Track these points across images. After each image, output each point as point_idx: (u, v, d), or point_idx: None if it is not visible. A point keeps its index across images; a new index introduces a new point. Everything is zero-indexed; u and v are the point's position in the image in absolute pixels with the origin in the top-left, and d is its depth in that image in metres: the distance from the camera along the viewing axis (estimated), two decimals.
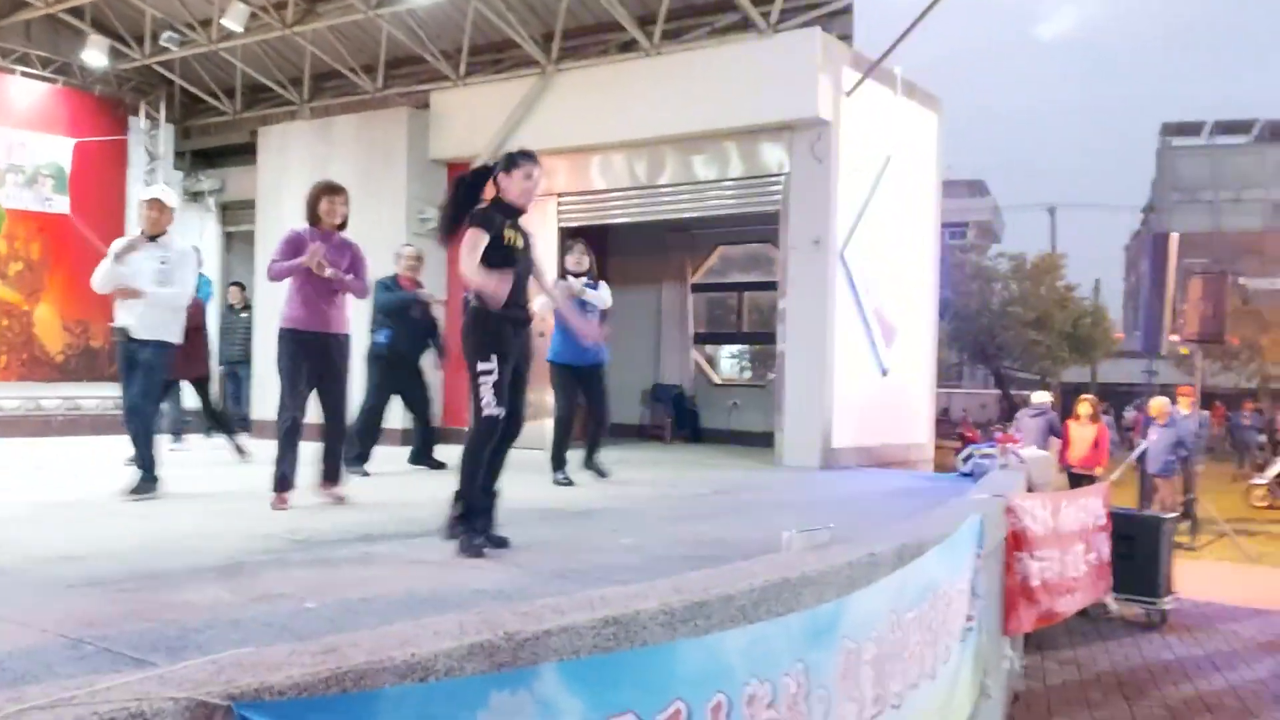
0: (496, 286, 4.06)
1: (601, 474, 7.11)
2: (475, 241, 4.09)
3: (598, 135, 10.20)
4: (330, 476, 5.71)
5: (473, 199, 4.30)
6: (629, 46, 10.17)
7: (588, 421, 7.36)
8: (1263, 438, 22.82)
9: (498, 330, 4.18)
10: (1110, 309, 51.04)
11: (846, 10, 9.49)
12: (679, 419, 12.60)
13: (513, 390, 4.28)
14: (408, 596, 3.20)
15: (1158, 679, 6.63)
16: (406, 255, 7.94)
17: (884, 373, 10.04)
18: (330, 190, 5.66)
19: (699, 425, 12.58)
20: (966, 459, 8.12)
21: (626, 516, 5.55)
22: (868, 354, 9.82)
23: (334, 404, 5.64)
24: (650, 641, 2.57)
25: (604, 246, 10.89)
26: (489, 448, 4.24)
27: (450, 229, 4.31)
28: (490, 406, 4.14)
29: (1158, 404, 12.03)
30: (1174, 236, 11.71)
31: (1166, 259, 11.33)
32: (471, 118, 10.92)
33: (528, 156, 4.30)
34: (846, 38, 9.53)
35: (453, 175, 9.05)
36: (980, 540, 4.79)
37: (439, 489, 4.68)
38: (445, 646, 2.00)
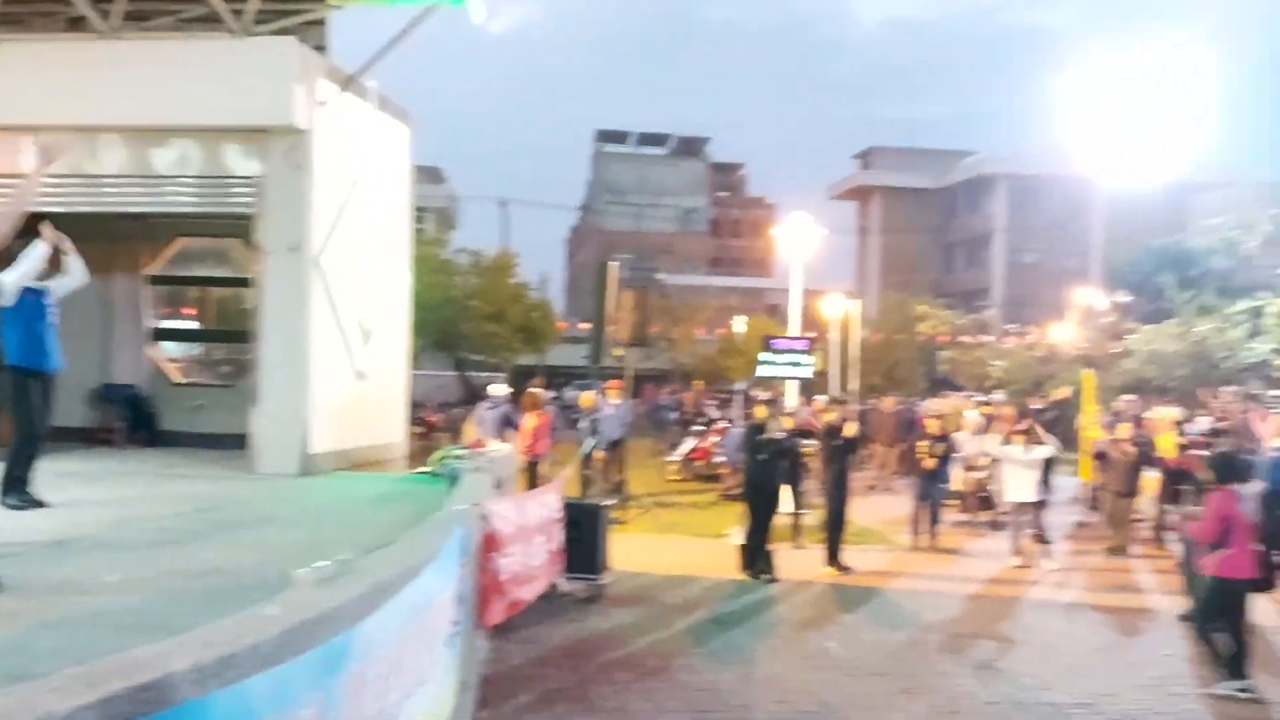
0: None
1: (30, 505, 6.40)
2: None
3: (37, 116, 9.17)
4: None
5: None
6: (78, 23, 9.30)
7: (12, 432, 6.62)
8: (676, 415, 26.67)
9: None
10: (554, 298, 55.97)
11: (321, 22, 9.66)
12: (134, 421, 11.76)
13: None
14: None
15: (598, 647, 7.84)
16: None
17: (360, 376, 10.38)
18: None
19: (157, 427, 11.85)
20: (439, 460, 8.81)
21: (107, 546, 5.28)
22: (344, 357, 10.09)
23: None
24: (182, 702, 2.68)
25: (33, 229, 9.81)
26: None
27: None
28: None
29: (586, 398, 13.90)
30: (614, 266, 13.43)
31: (607, 285, 13.00)
32: None
33: None
34: (322, 49, 9.69)
35: None
36: (464, 551, 5.40)
37: None
38: None
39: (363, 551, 4.49)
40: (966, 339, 39.97)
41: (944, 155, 63.89)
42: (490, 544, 6.12)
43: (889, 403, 20.49)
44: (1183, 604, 9.44)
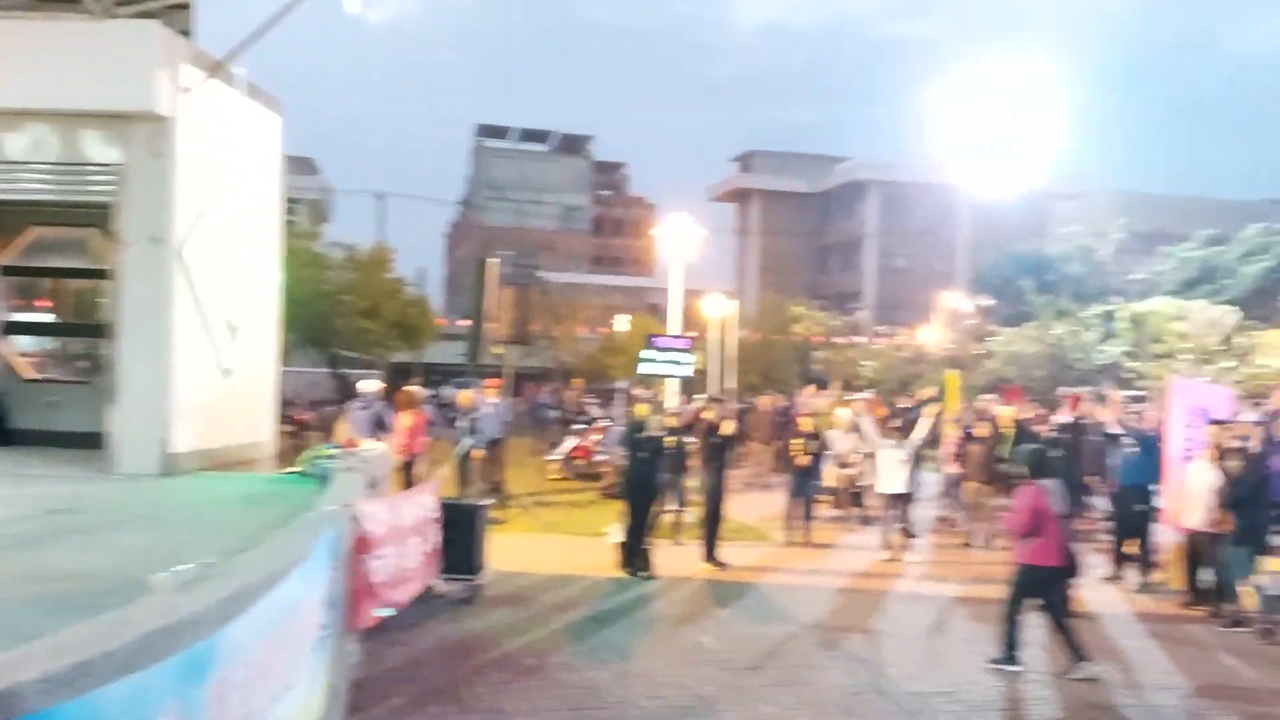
0: None
1: None
2: None
3: None
4: None
5: None
6: None
7: None
8: (557, 414, 26.59)
9: None
10: (433, 294, 55.18)
11: (185, 6, 9.30)
12: None
13: None
14: None
15: (474, 647, 7.77)
16: None
17: (227, 372, 10.04)
18: None
19: (8, 426, 11.19)
20: (309, 460, 8.59)
21: None
22: (210, 353, 9.74)
23: None
24: (30, 713, 2.57)
25: None
26: None
27: None
28: None
29: (465, 396, 13.76)
30: (493, 262, 13.31)
31: (486, 284, 12.87)
32: None
33: None
34: (187, 33, 9.33)
35: None
36: (334, 553, 5.29)
37: None
38: None
39: (226, 555, 4.36)
40: (840, 340, 41.09)
41: (820, 160, 65.56)
42: (362, 545, 6.01)
43: (766, 401, 20.90)
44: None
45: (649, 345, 15.05)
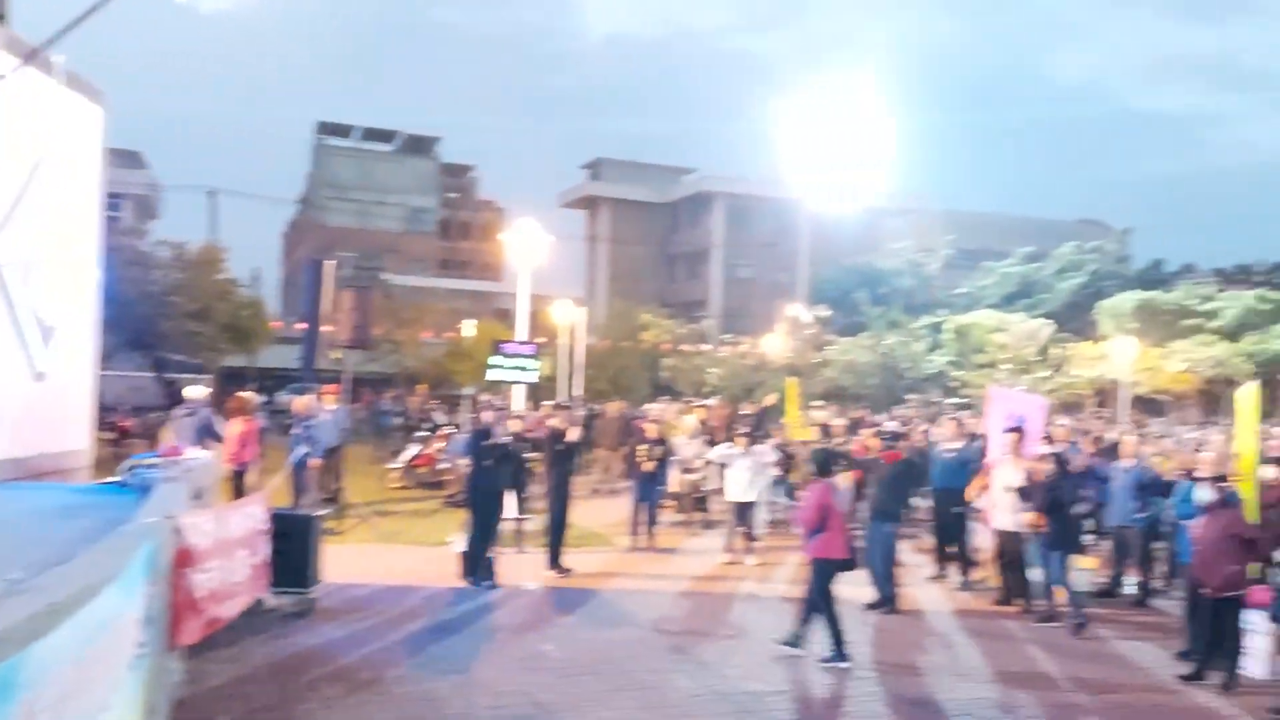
0: None
1: None
2: None
3: None
4: None
5: None
6: None
7: None
8: (399, 421, 26.08)
9: None
10: (269, 296, 53.17)
11: None
12: None
13: None
14: None
15: (306, 662, 7.53)
16: None
17: (39, 376, 9.40)
18: None
19: None
20: (129, 470, 8.12)
21: None
22: (21, 356, 9.10)
23: None
24: None
25: None
26: None
27: None
28: None
29: (300, 402, 13.33)
30: (329, 264, 12.91)
31: (322, 286, 12.48)
32: None
33: None
34: (1, 17, 8.70)
35: None
36: (153, 567, 5.03)
37: None
38: None
39: (35, 569, 4.10)
40: (687, 347, 41.76)
41: (667, 171, 66.56)
42: (184, 559, 5.73)
43: (613, 408, 21.05)
44: (870, 594, 10.37)
45: (496, 351, 14.91)
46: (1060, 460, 10.36)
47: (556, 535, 11.46)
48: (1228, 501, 8.39)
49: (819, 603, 8.28)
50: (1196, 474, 9.87)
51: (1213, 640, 8.18)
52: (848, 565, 8.50)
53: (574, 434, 12.05)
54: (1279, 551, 8.11)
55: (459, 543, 11.00)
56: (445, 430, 18.88)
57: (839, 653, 8.12)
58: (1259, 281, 52.57)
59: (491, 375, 15.48)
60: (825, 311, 43.07)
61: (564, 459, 11.81)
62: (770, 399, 20.71)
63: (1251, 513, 8.71)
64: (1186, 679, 8.17)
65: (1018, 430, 10.92)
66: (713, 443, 15.45)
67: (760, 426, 15.92)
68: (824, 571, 8.31)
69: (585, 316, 31.48)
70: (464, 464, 11.85)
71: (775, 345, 39.69)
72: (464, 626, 9.00)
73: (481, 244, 66.70)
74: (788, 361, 36.82)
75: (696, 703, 7.13)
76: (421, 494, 17.09)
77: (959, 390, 36.02)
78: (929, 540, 12.64)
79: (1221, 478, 8.86)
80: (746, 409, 20.24)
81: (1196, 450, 12.23)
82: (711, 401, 22.90)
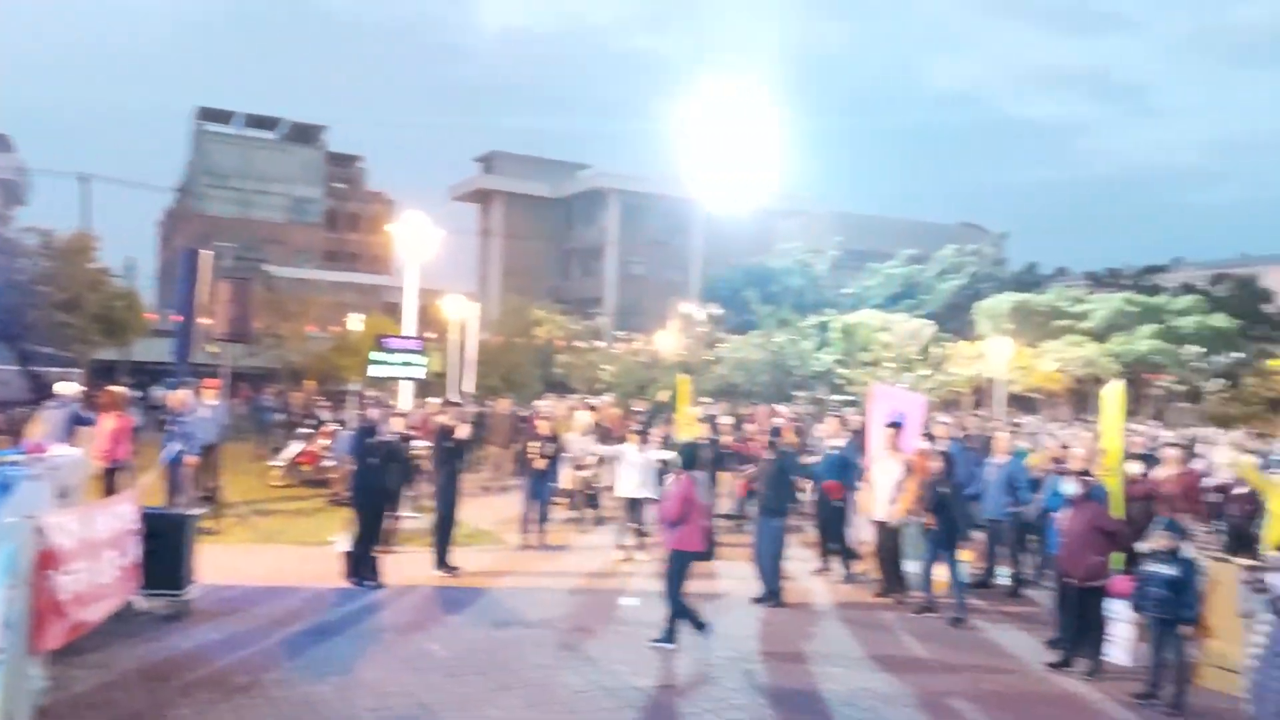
0: None
1: None
2: None
3: None
4: None
5: None
6: None
7: None
8: (282, 418, 25.28)
9: None
10: (144, 287, 51.07)
11: None
12: None
13: None
14: None
15: (179, 667, 7.23)
16: None
17: None
18: None
19: None
20: None
21: None
22: None
23: None
24: None
25: None
26: None
27: None
28: None
29: (176, 397, 12.82)
30: (206, 254, 12.42)
31: (198, 276, 12.00)
32: None
33: None
34: None
35: None
36: (12, 569, 4.76)
37: None
38: None
39: None
40: (580, 344, 41.74)
41: (562, 166, 66.39)
42: (47, 561, 5.45)
43: (504, 404, 20.87)
44: (758, 588, 10.53)
45: (379, 346, 14.59)
46: (948, 457, 10.69)
47: (444, 534, 11.29)
48: (1093, 495, 8.79)
49: (671, 590, 8.44)
50: (1064, 468, 10.30)
51: (1078, 629, 8.56)
52: (704, 557, 8.72)
53: (463, 431, 11.89)
54: (1142, 543, 8.52)
55: (343, 542, 10.76)
56: (330, 427, 18.41)
57: (668, 635, 8.37)
58: (1126, 285, 55.31)
59: (374, 371, 15.17)
60: (717, 310, 43.59)
61: (453, 456, 11.64)
62: (663, 396, 20.85)
63: (1116, 506, 9.16)
64: (1055, 666, 8.53)
65: (896, 425, 11.23)
66: (605, 440, 15.47)
67: (652, 423, 16.01)
68: (679, 562, 8.46)
69: (477, 312, 31.06)
70: (349, 462, 11.58)
71: (668, 343, 39.99)
72: (347, 627, 8.79)
73: (369, 236, 65.36)
74: (680, 359, 37.14)
75: (583, 699, 7.12)
76: (305, 492, 16.64)
77: (846, 388, 36.90)
78: (813, 534, 12.89)
79: (1087, 472, 9.28)
80: (639, 406, 20.32)
81: (1064, 446, 12.77)
82: (605, 398, 22.93)
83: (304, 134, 65.92)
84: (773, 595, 10.43)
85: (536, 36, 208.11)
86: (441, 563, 11.16)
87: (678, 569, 8.46)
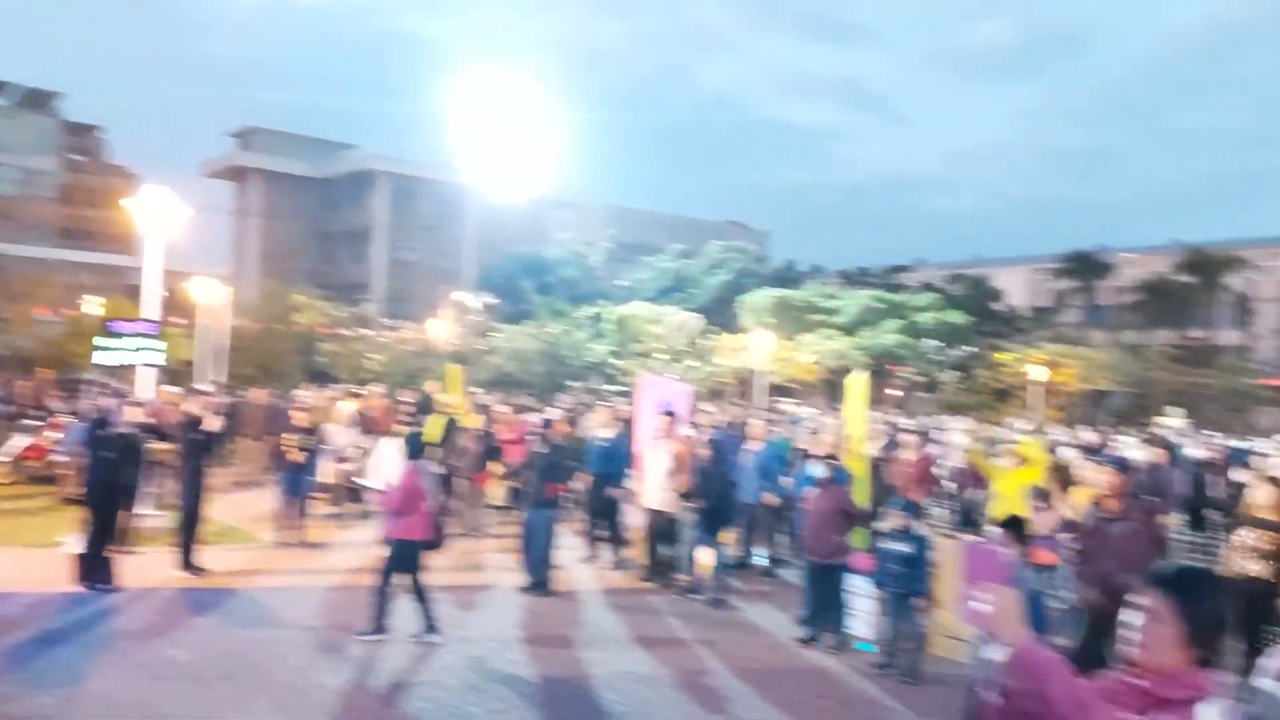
0: None
1: None
2: None
3: None
4: None
5: None
6: None
7: None
8: (9, 409, 22.98)
9: None
10: None
11: None
12: None
13: None
14: None
15: None
16: None
17: None
18: None
19: None
20: None
21: None
22: None
23: None
24: None
25: None
26: None
27: None
28: None
29: None
30: None
31: None
32: None
33: None
34: None
35: None
36: None
37: None
38: None
39: None
40: (345, 332, 40.28)
41: (326, 145, 63.80)
42: None
43: (260, 394, 19.84)
44: (521, 579, 10.54)
45: (105, 331, 13.43)
46: (715, 445, 11.05)
47: (189, 532, 10.58)
48: (837, 479, 9.35)
49: (387, 580, 8.38)
50: (812, 453, 10.91)
51: (823, 605, 9.08)
52: (431, 546, 8.71)
53: (213, 422, 11.19)
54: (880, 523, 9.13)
55: (74, 543, 9.88)
56: (61, 419, 16.85)
57: (378, 625, 8.28)
58: (874, 283, 59.19)
59: (103, 358, 14.01)
60: (491, 299, 43.25)
61: (201, 449, 10.93)
62: (435, 386, 20.45)
63: (860, 490, 9.76)
64: (804, 641, 9.01)
65: (670, 415, 11.51)
66: (369, 432, 14.99)
67: (422, 415, 15.65)
68: (404, 552, 8.41)
69: (231, 296, 29.34)
70: (81, 456, 10.64)
71: (440, 331, 39.29)
72: (78, 634, 8.09)
73: (110, 213, 60.29)
74: (453, 348, 36.58)
75: (341, 700, 6.87)
76: (32, 490, 15.16)
77: (619, 378, 37.53)
78: (582, 523, 13.02)
79: (834, 456, 9.85)
80: (406, 396, 19.83)
81: (813, 433, 13.52)
82: (371, 389, 22.23)
83: (36, 100, 59.99)
84: (541, 585, 10.46)
85: (299, 11, 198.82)
86: (187, 563, 10.47)
87: (399, 558, 8.39)
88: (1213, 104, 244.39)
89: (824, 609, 9.08)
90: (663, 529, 11.17)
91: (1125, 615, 2.53)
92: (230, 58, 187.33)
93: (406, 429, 12.71)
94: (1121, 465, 9.15)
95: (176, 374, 27.64)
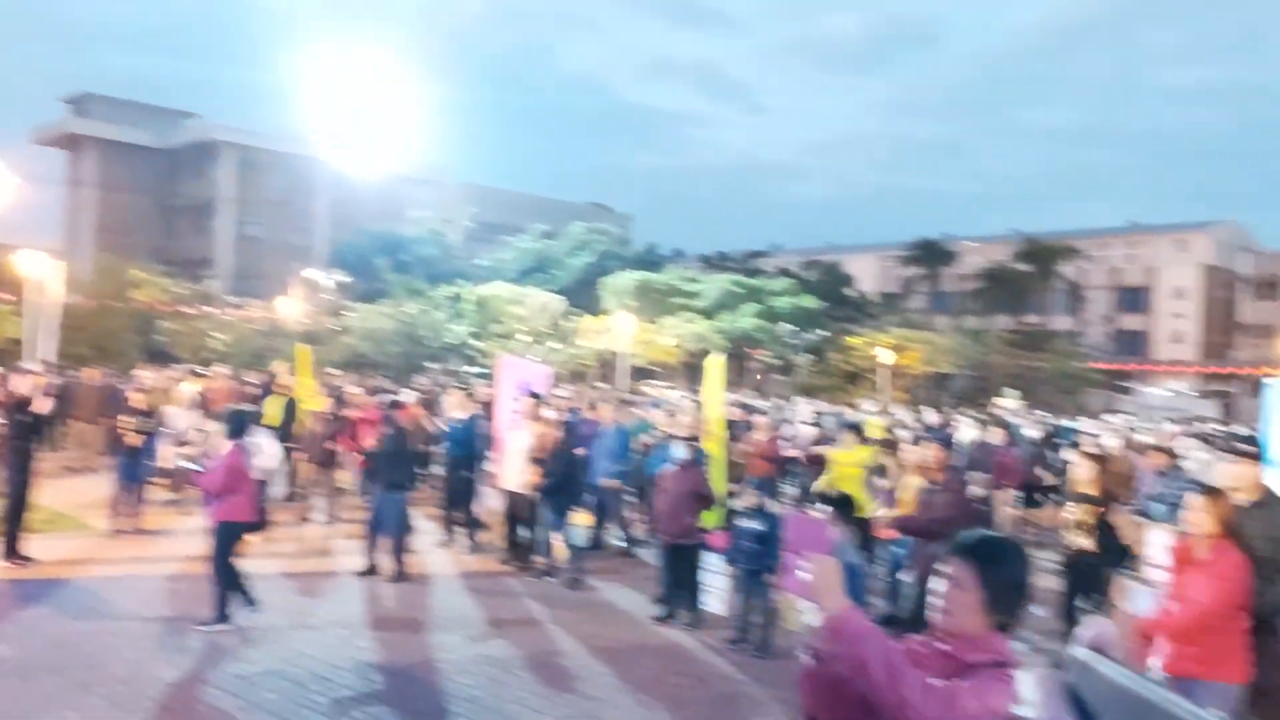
0: None
1: None
2: None
3: None
4: None
5: None
6: None
7: None
8: None
9: None
10: None
11: None
12: None
13: None
14: None
15: None
16: None
17: None
18: None
19: None
20: None
21: None
22: None
23: None
24: None
25: None
26: None
27: None
28: None
29: None
30: None
31: None
32: None
33: None
34: None
35: None
36: None
37: None
38: None
39: None
40: (188, 309, 38.51)
41: (167, 114, 60.74)
42: None
43: (94, 375, 18.77)
44: (361, 563, 10.33)
45: None
46: (569, 427, 11.04)
47: (14, 520, 9.92)
48: (695, 461, 9.48)
49: (220, 565, 8.11)
50: (675, 435, 11.04)
51: (677, 583, 9.22)
52: (255, 528, 8.47)
53: (42, 403, 10.50)
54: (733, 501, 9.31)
55: None
56: None
57: (221, 614, 8.04)
58: (733, 268, 60.33)
59: None
60: (344, 277, 42.04)
61: (28, 432, 10.25)
62: (280, 367, 19.75)
63: (718, 471, 9.93)
64: (660, 620, 9.12)
65: (536, 396, 11.44)
66: (212, 415, 14.34)
67: (267, 395, 15.11)
68: (229, 534, 8.13)
69: (63, 271, 27.56)
70: None
71: (290, 310, 37.96)
72: None
73: None
74: (303, 328, 35.39)
75: (178, 693, 6.57)
76: None
77: (479, 360, 37.10)
78: (438, 507, 12.84)
79: (695, 438, 9.99)
80: (252, 377, 19.10)
81: (671, 415, 13.68)
82: (216, 369, 21.29)
83: None
84: (397, 571, 10.26)
85: None
86: (11, 552, 9.82)
87: (226, 541, 8.10)
88: (1049, 101, 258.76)
89: (679, 587, 9.21)
90: (522, 511, 11.11)
91: (933, 582, 2.66)
92: (67, 18, 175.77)
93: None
94: (945, 441, 9.64)
95: (3, 353, 25.89)
